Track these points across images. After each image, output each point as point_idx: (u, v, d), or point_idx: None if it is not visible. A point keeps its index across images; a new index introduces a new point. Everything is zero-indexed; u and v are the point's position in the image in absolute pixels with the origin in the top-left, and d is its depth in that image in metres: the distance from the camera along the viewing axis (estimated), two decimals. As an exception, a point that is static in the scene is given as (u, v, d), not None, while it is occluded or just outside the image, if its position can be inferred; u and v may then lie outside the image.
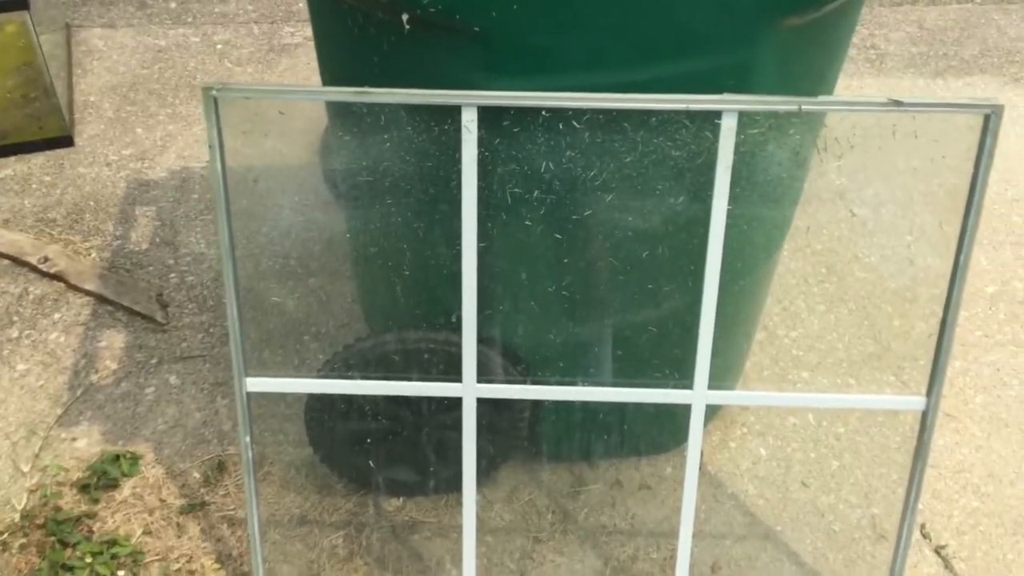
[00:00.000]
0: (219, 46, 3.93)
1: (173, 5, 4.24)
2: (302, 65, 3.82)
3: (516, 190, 1.60)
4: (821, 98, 1.55)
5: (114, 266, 2.84)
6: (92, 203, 3.08)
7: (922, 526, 2.14)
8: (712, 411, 2.33)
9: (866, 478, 2.24)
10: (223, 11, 4.19)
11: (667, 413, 2.08)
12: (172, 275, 2.83)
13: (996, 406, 2.42)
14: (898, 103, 1.53)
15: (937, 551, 2.10)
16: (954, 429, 2.36)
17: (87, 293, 2.74)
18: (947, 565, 2.07)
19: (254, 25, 4.09)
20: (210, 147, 1.56)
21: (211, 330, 2.64)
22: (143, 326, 2.66)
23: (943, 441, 2.33)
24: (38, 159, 3.26)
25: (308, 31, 3.85)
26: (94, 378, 2.50)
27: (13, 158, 3.26)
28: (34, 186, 3.14)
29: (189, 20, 4.11)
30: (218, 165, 1.58)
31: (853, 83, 3.73)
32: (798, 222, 2.95)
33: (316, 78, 1.80)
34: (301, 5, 4.25)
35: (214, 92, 1.55)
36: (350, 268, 2.36)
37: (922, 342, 2.54)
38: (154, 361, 2.56)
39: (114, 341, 2.61)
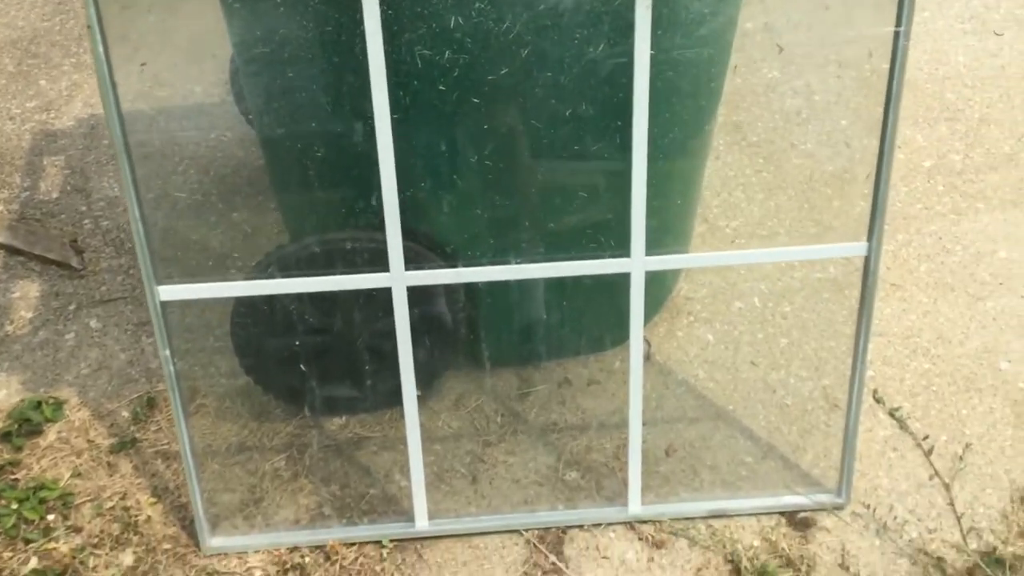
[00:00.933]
0: (122, -6, 3.75)
1: (70, -42, 4.03)
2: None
3: (425, 52, 1.50)
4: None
5: (24, 217, 2.69)
6: (-4, 157, 2.92)
7: (874, 392, 2.11)
8: (656, 303, 2.27)
9: (815, 352, 2.20)
10: (124, -41, 3.99)
11: (611, 305, 2.01)
12: (86, 221, 2.69)
13: (940, 272, 2.40)
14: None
15: (891, 414, 2.07)
16: (901, 297, 2.33)
17: (-4, 245, 2.60)
18: (902, 425, 2.04)
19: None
20: (89, 27, 1.44)
21: (131, 271, 2.51)
22: (58, 274, 2.52)
23: (890, 309, 2.30)
24: (-65, 118, 3.08)
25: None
26: (9, 329, 2.37)
27: (-93, 119, 3.08)
28: (-68, 144, 2.96)
29: (88, -29, 3.92)
30: (100, 48, 1.46)
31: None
32: (734, 116, 2.91)
33: None
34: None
35: (88, -31, 1.43)
36: (266, 176, 2.24)
37: (863, 219, 2.49)
38: (72, 307, 2.43)
39: (28, 291, 2.47)
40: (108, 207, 2.73)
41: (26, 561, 1.88)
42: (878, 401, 2.09)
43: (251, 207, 2.66)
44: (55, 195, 2.78)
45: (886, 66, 1.62)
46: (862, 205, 2.56)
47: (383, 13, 1.44)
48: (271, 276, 1.80)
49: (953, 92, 2.98)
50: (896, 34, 1.57)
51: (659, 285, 2.22)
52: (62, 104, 3.15)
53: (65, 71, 3.31)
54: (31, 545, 1.90)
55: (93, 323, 2.38)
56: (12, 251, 2.59)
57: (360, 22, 1.44)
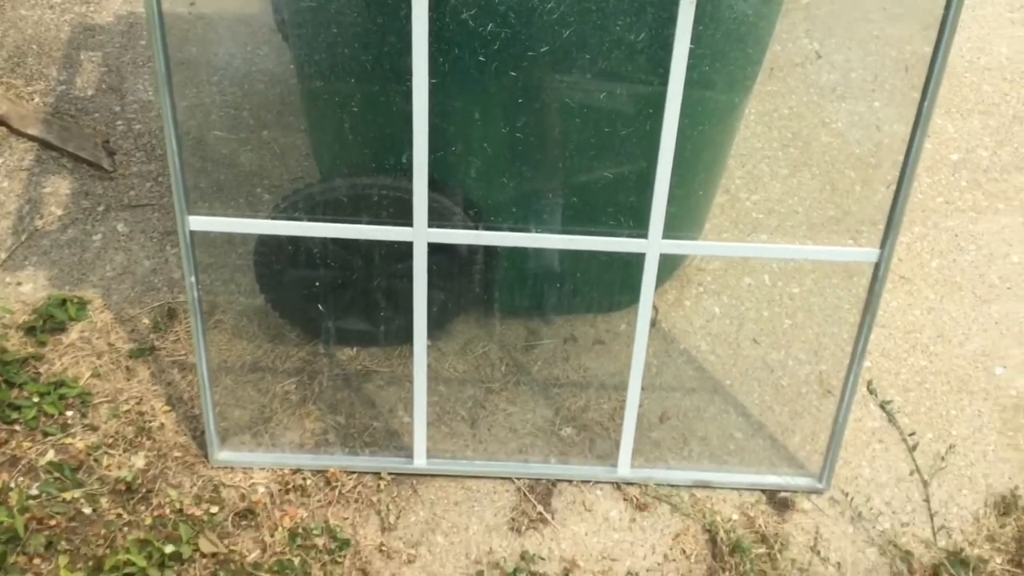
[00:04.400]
0: None
1: None
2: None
3: (469, 22, 1.52)
4: (792, -70, 1.47)
5: (58, 111, 2.73)
6: (35, 47, 2.94)
7: (869, 383, 2.17)
8: (669, 270, 2.32)
9: (817, 337, 2.25)
10: None
11: (623, 269, 2.07)
12: (119, 123, 2.73)
13: (951, 270, 2.43)
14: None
15: (882, 406, 2.14)
16: (908, 291, 2.38)
17: (30, 138, 2.64)
18: (891, 419, 2.11)
19: None
20: (144, -37, 1.46)
21: (160, 179, 2.57)
22: (89, 173, 2.57)
23: (896, 303, 2.35)
24: (-24, -2, 3.09)
25: None
26: (39, 223, 2.43)
27: (-51, -3, 3.09)
28: (-28, 26, 2.98)
29: None
30: (153, -17, 1.48)
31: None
32: (768, 86, 2.90)
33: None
34: None
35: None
36: (302, 114, 2.28)
37: (882, 207, 2.51)
38: (101, 208, 2.49)
39: (59, 187, 2.53)
40: (141, 110, 2.76)
41: (44, 453, 1.98)
42: (871, 392, 2.16)
43: (282, 126, 2.69)
44: (90, 92, 2.81)
45: (928, 49, 1.62)
46: (883, 192, 2.58)
47: (432, -21, 1.45)
48: (297, 215, 1.86)
49: (991, 84, 2.96)
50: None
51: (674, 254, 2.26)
52: (102, -3, 3.15)
53: (108, -38, 3.29)
54: (49, 438, 2.00)
55: (120, 227, 2.45)
56: (46, 145, 2.63)
57: (408, -14, 1.45)
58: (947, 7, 1.52)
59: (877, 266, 1.74)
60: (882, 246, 1.73)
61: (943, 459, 2.05)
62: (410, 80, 1.52)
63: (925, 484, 2.01)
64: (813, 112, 2.82)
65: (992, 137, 2.79)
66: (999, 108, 2.88)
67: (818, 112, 2.82)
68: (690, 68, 1.51)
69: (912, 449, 2.06)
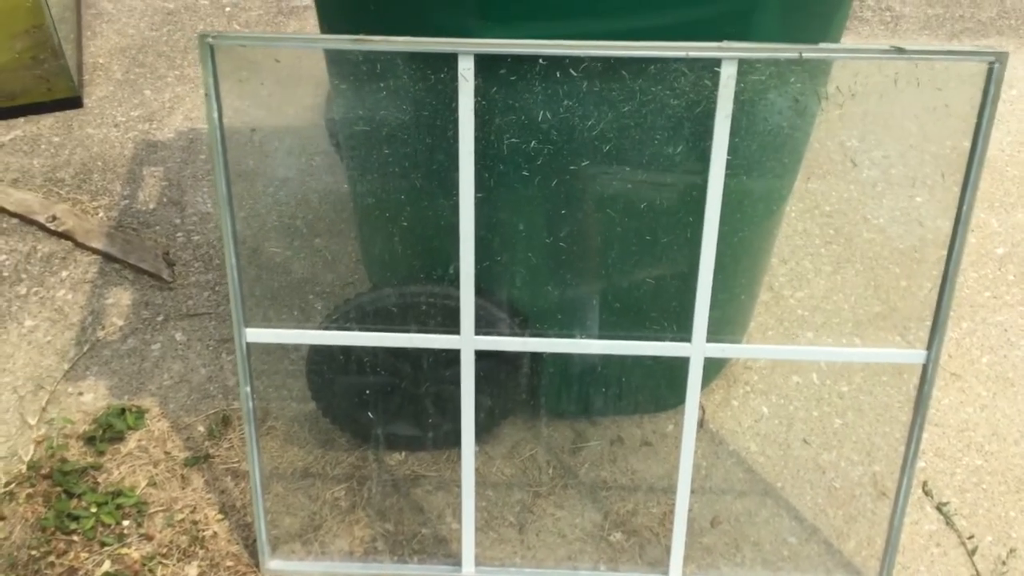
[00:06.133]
0: (228, 8, 3.92)
1: (182, -33, 4.22)
2: (311, 27, 3.81)
3: (513, 140, 1.59)
4: (822, 45, 1.53)
5: (121, 225, 2.85)
6: (100, 163, 3.09)
7: (924, 484, 2.14)
8: (715, 369, 2.32)
9: (868, 436, 2.23)
10: (232, -27, 4.17)
11: (669, 370, 2.08)
12: (179, 234, 2.84)
13: (1002, 366, 2.40)
14: (900, 50, 1.50)
15: (939, 508, 2.09)
16: (959, 388, 2.35)
17: (94, 251, 2.76)
18: (948, 522, 2.07)
19: (263, -13, 4.07)
20: (206, 95, 1.56)
21: (217, 288, 2.66)
22: (149, 284, 2.67)
23: (948, 400, 2.32)
24: (47, 120, 3.27)
25: (316, -8, 3.82)
26: (101, 334, 2.52)
27: (23, 119, 3.27)
28: (43, 146, 3.15)
29: (198, -18, 4.10)
30: (215, 113, 1.58)
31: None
32: (808, 184, 2.94)
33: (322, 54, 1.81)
34: (310, -33, 4.22)
35: (210, 40, 1.55)
36: (353, 225, 2.36)
37: (929, 302, 2.51)
38: (160, 318, 2.57)
39: (121, 298, 2.63)
40: (200, 222, 2.88)
41: (100, 563, 2.01)
42: (927, 494, 2.12)
43: (333, 233, 2.78)
44: (152, 206, 2.94)
45: (966, 143, 1.65)
46: (928, 287, 2.57)
47: (476, 103, 1.53)
48: (348, 324, 1.91)
49: (1035, 177, 2.97)
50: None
51: (719, 354, 2.27)
52: (164, 115, 3.31)
53: (169, 83, 3.48)
54: (106, 548, 2.04)
55: (178, 336, 2.53)
56: (109, 258, 2.75)
57: (454, 110, 1.53)
58: (983, 100, 1.55)
59: (925, 367, 1.74)
60: (929, 347, 1.73)
61: (1004, 563, 1.99)
62: (457, 195, 1.58)
63: (988, 590, 1.95)
64: (854, 209, 2.84)
65: (1038, 230, 2.78)
66: (1043, 201, 2.88)
67: (859, 209, 2.84)
68: (727, 178, 1.56)
69: (972, 553, 2.01)
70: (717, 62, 1.52)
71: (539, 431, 2.26)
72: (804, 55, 1.51)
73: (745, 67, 1.54)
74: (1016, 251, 2.73)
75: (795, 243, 2.74)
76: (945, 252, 1.66)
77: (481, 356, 1.78)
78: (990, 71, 1.51)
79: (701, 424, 2.26)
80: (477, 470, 1.91)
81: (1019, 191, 2.92)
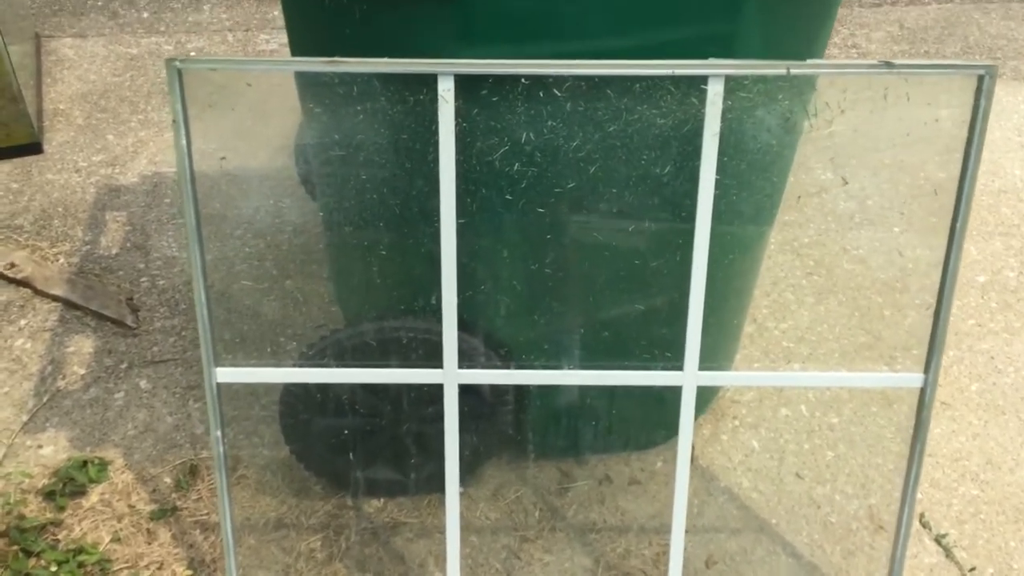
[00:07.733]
0: (193, 53, 3.87)
1: (146, 15, 4.18)
2: (277, 71, 3.76)
3: (496, 163, 1.53)
4: (810, 61, 1.49)
5: (83, 271, 2.75)
6: (61, 209, 3.00)
7: (921, 515, 2.07)
8: (703, 403, 2.26)
9: (862, 468, 2.17)
10: (197, 20, 4.13)
11: (655, 405, 2.01)
12: (143, 279, 2.74)
13: (992, 393, 2.36)
14: (889, 64, 1.48)
15: (938, 540, 2.03)
16: (950, 417, 2.30)
17: (54, 299, 2.65)
18: (948, 554, 2.00)
19: (228, 33, 4.03)
20: (174, 122, 1.49)
21: (183, 333, 2.56)
22: (112, 331, 2.57)
23: (939, 430, 2.27)
24: (5, 167, 3.17)
25: (283, 38, 3.80)
26: (61, 384, 2.41)
27: (-21, 166, 3.18)
28: (0, 193, 3.05)
29: (162, 29, 4.05)
30: (183, 140, 1.51)
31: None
32: (786, 216, 2.92)
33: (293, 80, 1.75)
34: (276, 13, 4.20)
35: (178, 64, 1.48)
36: (326, 261, 2.28)
37: (914, 331, 2.48)
38: (124, 366, 2.47)
39: (82, 346, 2.52)
40: (165, 266, 2.78)
41: (60, 626, 1.89)
42: (924, 526, 2.06)
43: (304, 274, 2.70)
44: (115, 251, 2.84)
45: (942, 175, 1.62)
46: (913, 316, 2.54)
47: (457, 125, 1.47)
48: (325, 361, 1.83)
49: (1008, 207, 2.97)
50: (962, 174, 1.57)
51: (707, 387, 2.21)
52: (127, 159, 3.23)
53: (132, 127, 3.41)
54: (66, 609, 1.91)
55: (143, 383, 2.42)
56: (70, 305, 2.64)
57: (435, 132, 1.47)
58: (975, 111, 1.53)
59: (923, 391, 1.68)
60: (926, 370, 1.68)
61: (1010, 595, 1.93)
62: (438, 222, 1.52)
63: (994, 623, 1.88)
64: (833, 240, 2.82)
65: (1016, 258, 2.77)
66: (1020, 229, 2.88)
67: (839, 240, 2.82)
68: (717, 198, 1.51)
69: (976, 585, 1.95)
70: (704, 80, 1.48)
71: (524, 472, 2.17)
72: (792, 71, 1.48)
73: (732, 84, 1.50)
74: (996, 279, 2.71)
75: (777, 275, 2.70)
76: (928, 281, 1.62)
77: (464, 391, 1.70)
78: (980, 81, 1.49)
79: (691, 460, 2.18)
80: (460, 514, 1.82)
81: (995, 220, 2.92)
